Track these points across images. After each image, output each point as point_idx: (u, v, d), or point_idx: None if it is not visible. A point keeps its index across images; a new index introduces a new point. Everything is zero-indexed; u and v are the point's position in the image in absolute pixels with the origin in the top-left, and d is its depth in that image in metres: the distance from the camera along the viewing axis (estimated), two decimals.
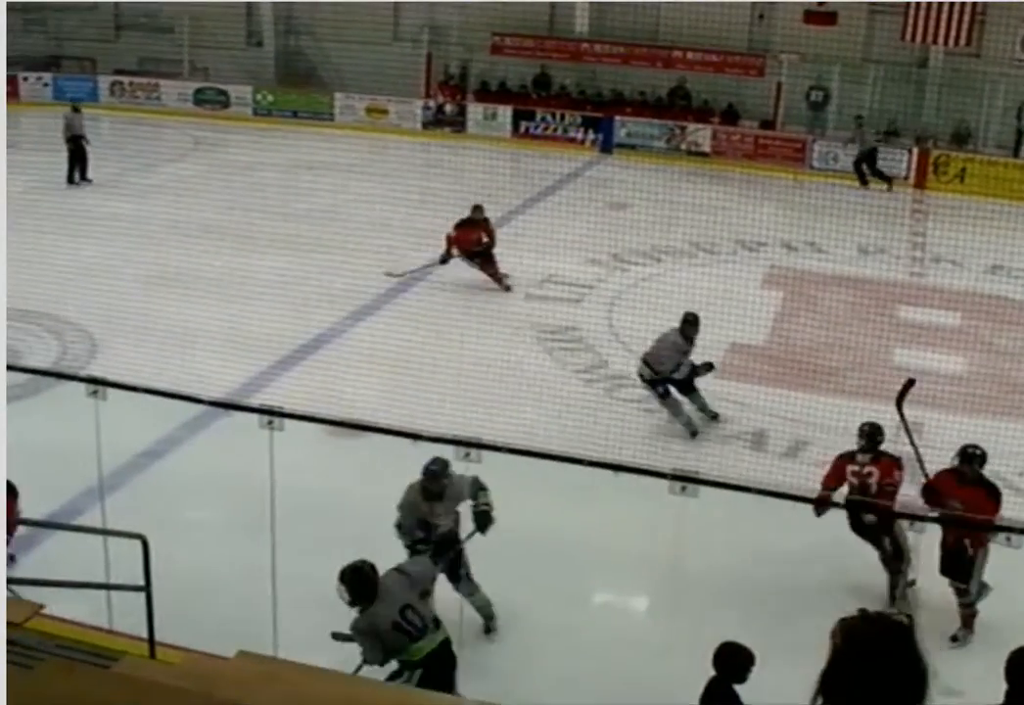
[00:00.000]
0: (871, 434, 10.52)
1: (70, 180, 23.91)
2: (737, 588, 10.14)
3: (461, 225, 17.96)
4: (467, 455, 7.97)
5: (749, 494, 7.86)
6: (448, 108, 30.82)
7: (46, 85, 32.25)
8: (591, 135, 29.60)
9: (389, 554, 10.14)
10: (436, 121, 30.75)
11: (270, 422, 8.33)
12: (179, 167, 24.34)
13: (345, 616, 8.25)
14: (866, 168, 26.74)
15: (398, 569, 8.46)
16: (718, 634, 7.37)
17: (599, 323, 16.42)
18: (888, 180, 26.54)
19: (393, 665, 8.26)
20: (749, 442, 13.30)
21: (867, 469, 10.37)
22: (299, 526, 9.27)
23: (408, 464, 9.42)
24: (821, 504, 9.81)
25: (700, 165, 27.24)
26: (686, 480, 7.64)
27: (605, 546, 10.64)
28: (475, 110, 30.70)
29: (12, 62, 31.76)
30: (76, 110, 24.95)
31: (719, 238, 20.13)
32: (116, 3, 33.58)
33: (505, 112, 30.28)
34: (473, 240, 17.97)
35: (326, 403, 10.36)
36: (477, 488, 9.21)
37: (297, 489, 9.40)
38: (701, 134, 28.91)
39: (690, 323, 13.23)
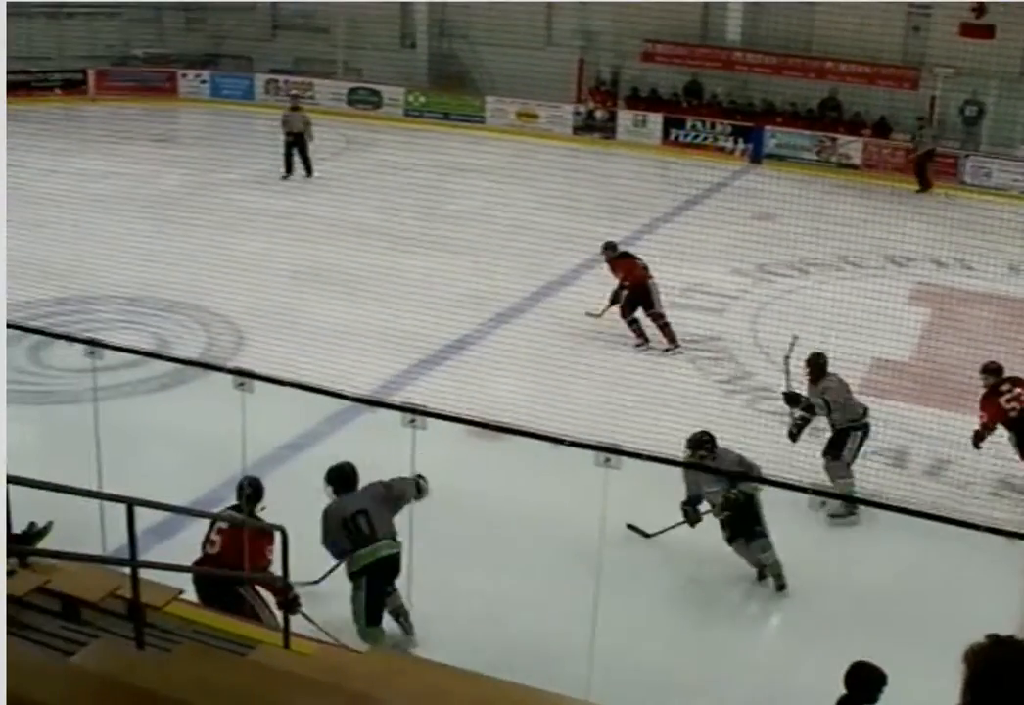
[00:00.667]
0: (997, 370, 12.26)
1: (287, 173, 24.60)
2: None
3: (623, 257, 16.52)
4: (607, 461, 7.92)
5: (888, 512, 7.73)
6: (598, 114, 30.77)
7: (204, 82, 32.92)
8: (741, 145, 29.33)
9: (518, 554, 10.22)
10: (586, 127, 30.71)
11: (412, 420, 8.37)
12: (332, 166, 24.66)
13: (480, 618, 8.27)
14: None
15: (385, 482, 9.34)
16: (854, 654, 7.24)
17: (743, 334, 16.26)
18: (928, 185, 26.31)
19: None
20: (891, 459, 13.07)
21: (1016, 391, 11.92)
22: (435, 523, 9.32)
23: (547, 468, 9.42)
24: (981, 438, 11.89)
25: (850, 178, 26.83)
26: (824, 495, 7.53)
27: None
28: (625, 117, 30.59)
29: (172, 59, 32.57)
30: (295, 109, 25.57)
31: (867, 252, 19.80)
32: (274, 3, 34.16)
33: (655, 119, 30.13)
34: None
35: (468, 403, 10.39)
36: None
37: (435, 487, 9.47)
38: (852, 146, 28.47)
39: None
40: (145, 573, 7.88)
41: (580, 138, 30.24)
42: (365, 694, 6.65)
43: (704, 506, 10.56)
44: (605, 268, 16.60)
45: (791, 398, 12.17)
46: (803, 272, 19.37)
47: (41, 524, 8.96)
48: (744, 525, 10.38)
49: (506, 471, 11.35)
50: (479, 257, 16.79)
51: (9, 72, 31.48)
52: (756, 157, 28.93)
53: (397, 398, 10.68)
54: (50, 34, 32.90)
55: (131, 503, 7.38)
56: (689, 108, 30.69)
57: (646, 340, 15.93)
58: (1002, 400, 12.13)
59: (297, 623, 8.77)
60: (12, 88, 31.46)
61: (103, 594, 8.22)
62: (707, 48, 30.86)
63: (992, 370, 12.35)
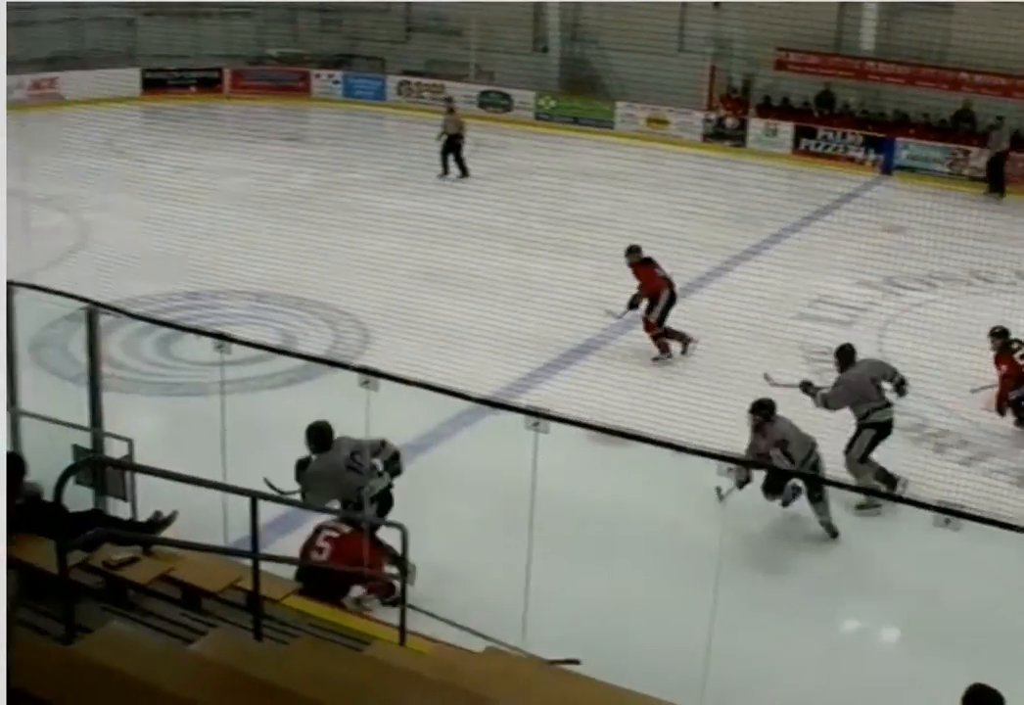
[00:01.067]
0: (1004, 332, 13.82)
1: (444, 172, 25.26)
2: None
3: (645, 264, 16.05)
4: (729, 470, 7.86)
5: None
6: (729, 121, 30.56)
7: (336, 82, 33.30)
8: (872, 155, 28.92)
9: (635, 559, 10.18)
10: (716, 134, 30.51)
11: (535, 423, 8.35)
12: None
13: (595, 621, 8.22)
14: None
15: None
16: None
17: (870, 347, 15.99)
18: (1001, 189, 26.16)
19: None
20: (1016, 478, 12.80)
21: None
22: (555, 527, 9.31)
23: (669, 475, 9.36)
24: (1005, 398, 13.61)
25: (982, 191, 26.32)
26: (946, 512, 7.38)
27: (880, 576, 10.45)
28: (756, 125, 30.35)
29: (306, 59, 32.99)
30: (451, 112, 26.06)
31: (998, 267, 19.39)
32: (408, 5, 34.41)
33: (786, 129, 29.84)
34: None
35: (589, 408, 10.36)
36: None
37: (556, 491, 9.43)
38: (985, 160, 27.90)
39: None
40: (265, 566, 7.97)
41: (710, 145, 30.06)
42: (479, 696, 6.66)
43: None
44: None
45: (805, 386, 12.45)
46: (932, 286, 19.03)
47: (166, 513, 9.09)
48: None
49: (626, 476, 11.30)
50: (602, 261, 16.71)
51: (147, 69, 32.28)
52: (887, 168, 28.51)
53: (521, 401, 10.66)
54: (187, 33, 33.54)
55: (255, 496, 7.47)
56: (821, 118, 30.33)
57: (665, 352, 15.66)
58: (1016, 356, 13.77)
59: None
60: (149, 85, 32.29)
61: (224, 585, 8.33)
62: (840, 57, 30.49)
63: (999, 333, 13.91)
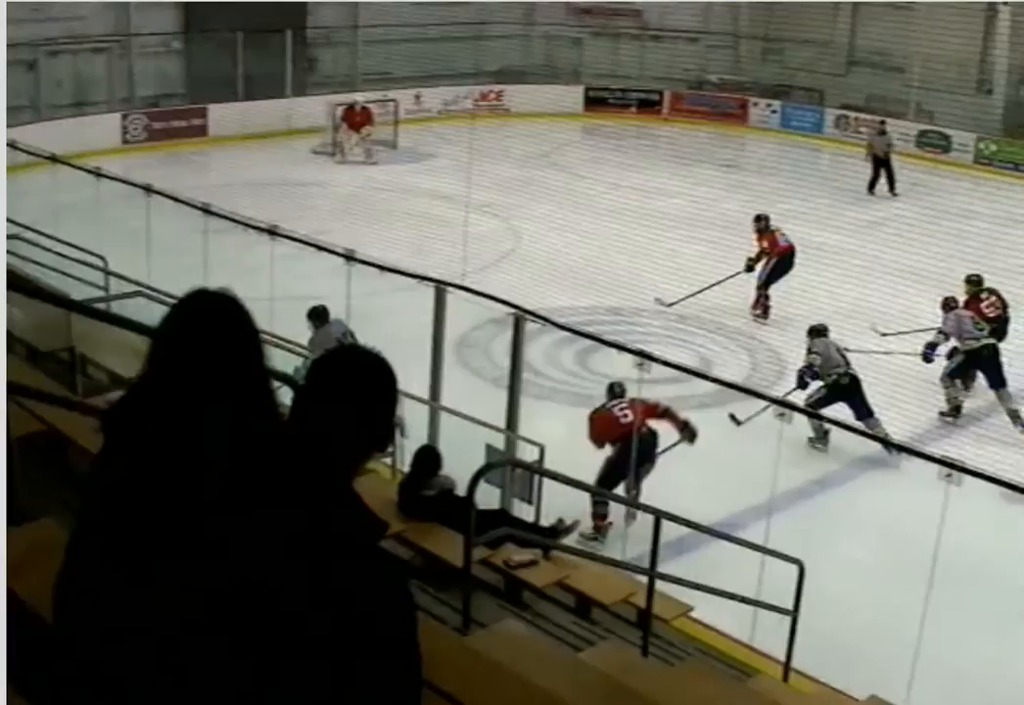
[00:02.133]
0: (979, 281, 15.54)
1: (870, 189, 25.71)
2: None
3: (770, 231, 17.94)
4: None
5: None
6: None
7: (774, 112, 33.10)
8: None
9: None
10: None
11: (949, 475, 8.08)
12: (894, 206, 24.21)
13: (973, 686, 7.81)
14: None
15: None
16: None
17: None
18: None
19: None
20: None
21: (992, 298, 15.18)
22: (955, 584, 8.95)
23: None
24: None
25: None
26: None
27: None
28: None
29: (745, 87, 32.99)
30: (882, 134, 26.51)
31: None
32: (851, 39, 33.83)
33: None
34: None
35: (1006, 465, 9.90)
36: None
37: (961, 547, 9.07)
38: None
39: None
40: (660, 585, 8.02)
41: None
42: None
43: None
44: None
45: None
46: None
47: (568, 521, 9.28)
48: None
49: None
50: None
51: (590, 88, 33.14)
52: None
53: (935, 449, 10.28)
54: (632, 54, 34.19)
55: (659, 515, 7.54)
56: None
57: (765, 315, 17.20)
58: (983, 305, 15.06)
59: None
60: (591, 103, 33.13)
61: (617, 598, 8.44)
62: None
63: (974, 281, 15.56)
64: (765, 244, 17.70)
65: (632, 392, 10.40)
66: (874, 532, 11.31)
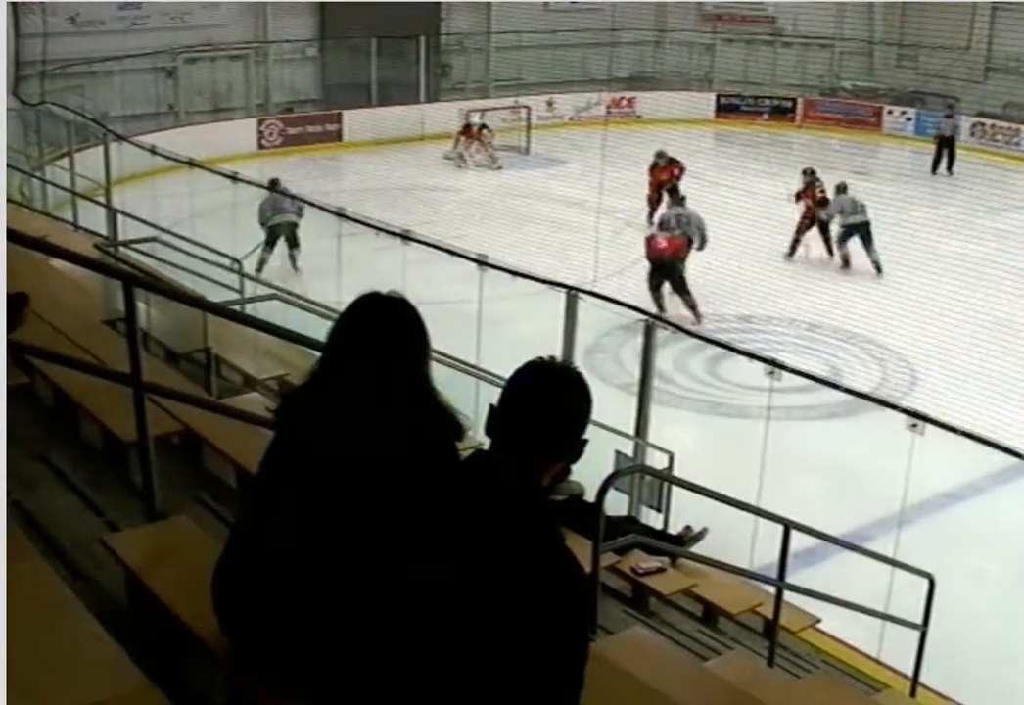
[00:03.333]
0: (813, 172, 21.01)
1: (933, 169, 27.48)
2: None
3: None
4: None
5: None
6: None
7: (909, 119, 32.60)
8: None
9: None
10: None
11: None
12: None
13: None
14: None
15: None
16: None
17: None
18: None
19: None
20: None
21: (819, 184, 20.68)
22: None
23: None
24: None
25: None
26: None
27: None
28: None
29: (879, 94, 32.56)
30: (948, 117, 27.96)
31: None
32: (989, 44, 33.15)
33: None
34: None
35: None
36: None
37: None
38: None
39: None
40: (787, 596, 7.94)
41: None
42: None
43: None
44: None
45: None
46: None
47: (696, 529, 9.23)
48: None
49: None
50: None
51: (722, 94, 33.00)
52: None
53: None
54: (765, 61, 33.94)
55: (788, 525, 7.46)
56: None
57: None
58: (817, 191, 20.33)
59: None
60: (723, 110, 33.00)
61: (744, 608, 8.37)
62: None
63: (809, 172, 20.93)
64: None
65: (759, 399, 10.30)
66: (1009, 548, 11.08)
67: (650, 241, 17.23)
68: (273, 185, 17.37)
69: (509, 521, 2.77)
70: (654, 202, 22.23)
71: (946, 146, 28.36)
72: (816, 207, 20.59)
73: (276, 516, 3.47)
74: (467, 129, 28.10)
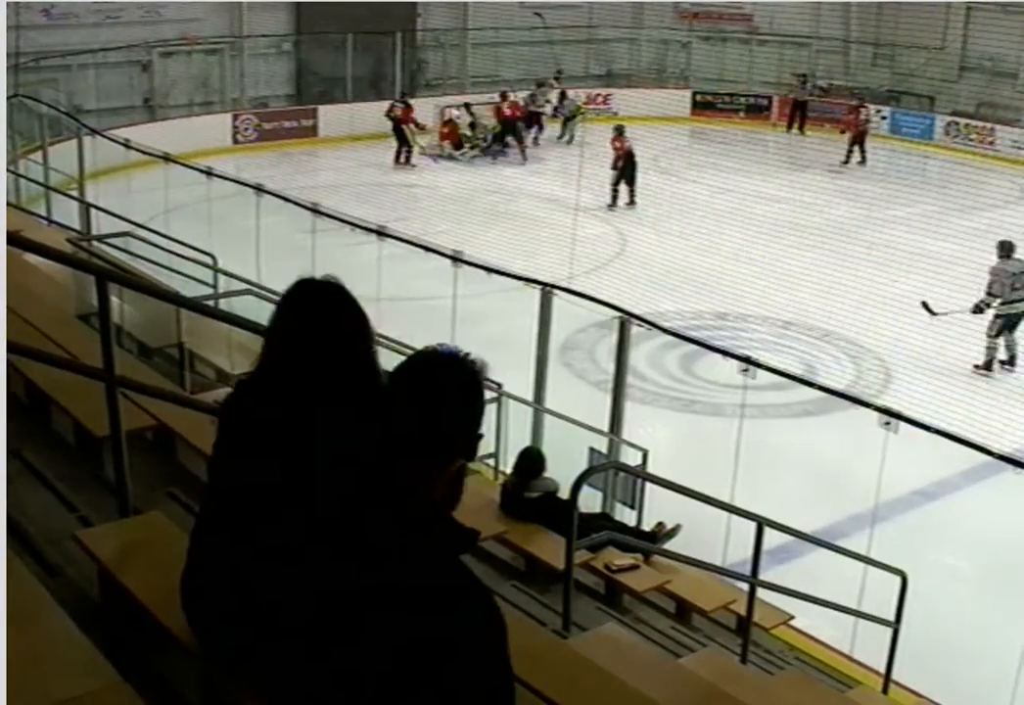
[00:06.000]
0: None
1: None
2: None
3: None
4: None
5: None
6: None
7: (884, 118, 32.66)
8: None
9: None
10: None
11: None
12: (1001, 214, 23.74)
13: None
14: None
15: None
16: None
17: None
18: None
19: None
20: None
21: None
22: None
23: None
24: None
25: None
26: None
27: None
28: None
29: (855, 93, 32.63)
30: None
31: None
32: (963, 44, 33.26)
33: None
34: None
35: None
36: None
37: None
38: None
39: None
40: (761, 593, 7.96)
41: None
42: None
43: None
44: None
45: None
46: None
47: (670, 525, 9.24)
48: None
49: None
50: None
51: (698, 92, 33.06)
52: None
53: None
54: (741, 59, 34.01)
55: (761, 522, 7.48)
56: None
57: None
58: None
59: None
60: (699, 107, 33.04)
61: (717, 605, 8.41)
62: None
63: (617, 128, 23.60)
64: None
65: (734, 396, 10.33)
66: (981, 544, 11.14)
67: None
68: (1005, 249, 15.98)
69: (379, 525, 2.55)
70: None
71: (858, 142, 29.04)
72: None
73: (227, 514, 3.39)
74: (447, 124, 28.18)
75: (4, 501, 3.85)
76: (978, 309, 15.58)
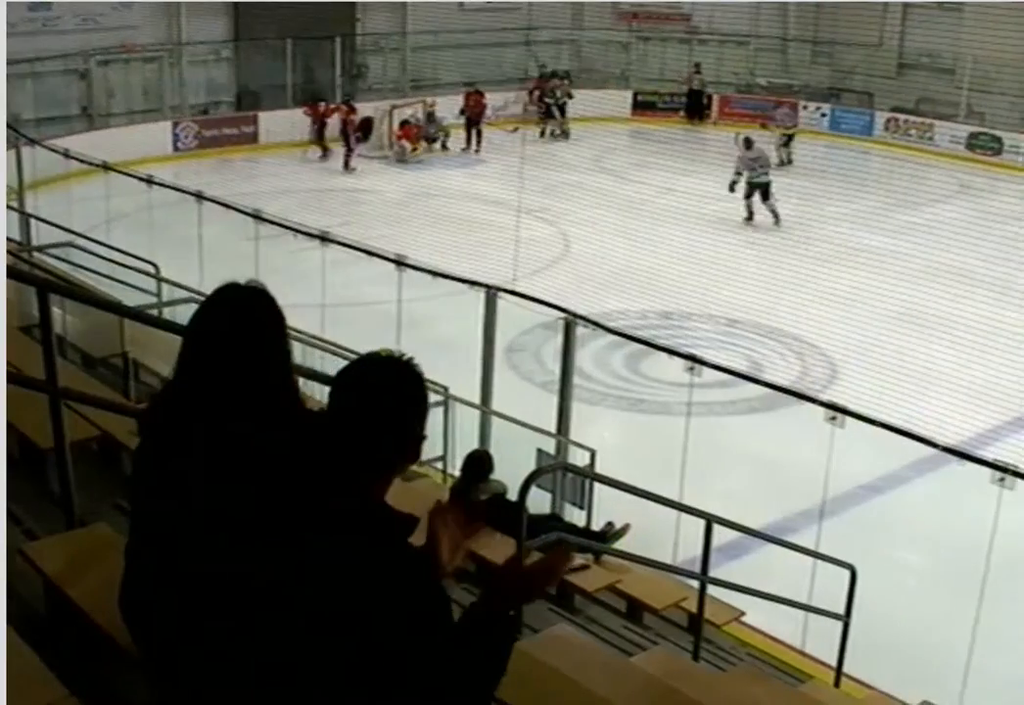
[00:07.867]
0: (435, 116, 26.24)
1: None
2: None
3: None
4: None
5: None
6: None
7: (824, 115, 32.90)
8: None
9: None
10: None
11: (1001, 479, 8.03)
12: (942, 209, 23.98)
13: None
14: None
15: None
16: None
17: None
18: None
19: None
20: None
21: None
22: (1008, 589, 8.88)
23: None
24: None
25: None
26: None
27: None
28: None
29: (795, 90, 32.94)
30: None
31: None
32: (901, 41, 33.55)
33: None
34: None
35: None
36: None
37: (1015, 552, 9.01)
38: None
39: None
40: (711, 590, 8.00)
41: None
42: None
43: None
44: None
45: None
46: None
47: (618, 525, 9.27)
48: None
49: None
50: None
51: (639, 92, 33.20)
52: None
53: (988, 454, 10.20)
54: (681, 58, 34.17)
55: (710, 519, 7.51)
56: None
57: None
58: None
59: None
60: (640, 107, 33.17)
61: (668, 603, 8.43)
62: None
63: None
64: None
65: (681, 395, 10.37)
66: (928, 536, 11.25)
67: None
68: None
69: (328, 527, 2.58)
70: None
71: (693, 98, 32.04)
72: None
73: (154, 527, 3.32)
74: (404, 125, 28.24)
75: (3, 502, 3.82)
76: (731, 187, 22.81)
